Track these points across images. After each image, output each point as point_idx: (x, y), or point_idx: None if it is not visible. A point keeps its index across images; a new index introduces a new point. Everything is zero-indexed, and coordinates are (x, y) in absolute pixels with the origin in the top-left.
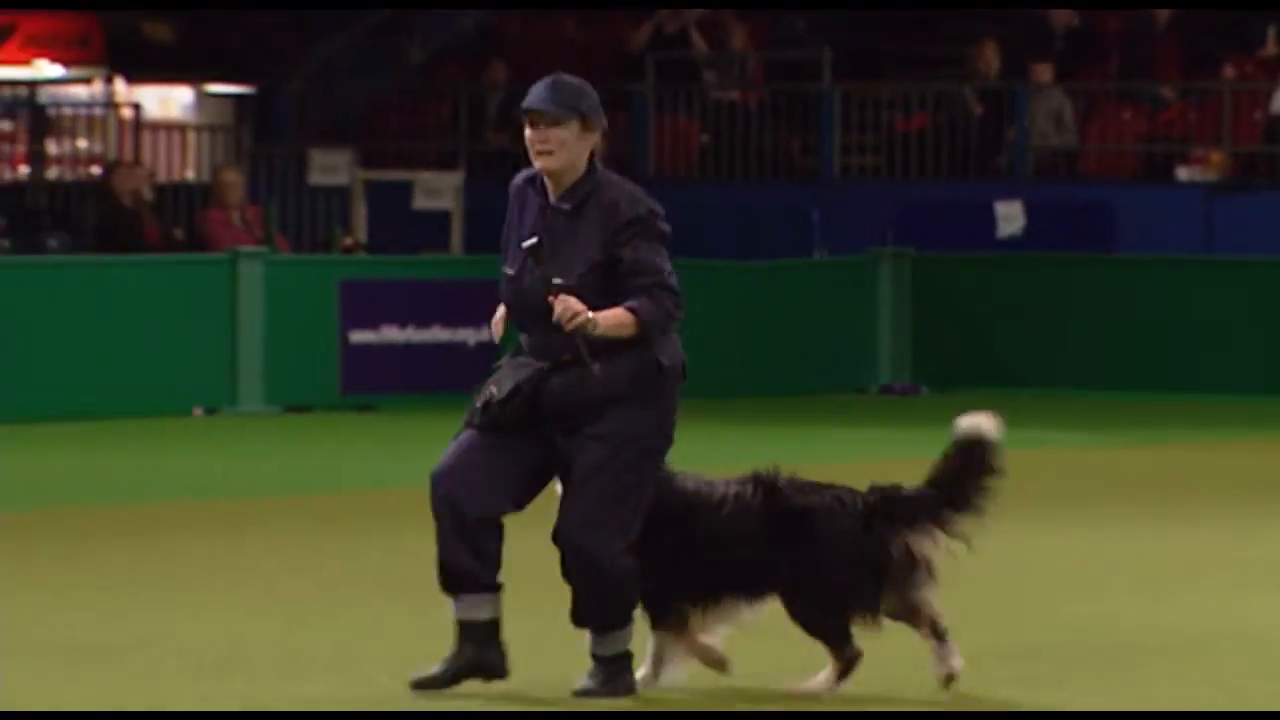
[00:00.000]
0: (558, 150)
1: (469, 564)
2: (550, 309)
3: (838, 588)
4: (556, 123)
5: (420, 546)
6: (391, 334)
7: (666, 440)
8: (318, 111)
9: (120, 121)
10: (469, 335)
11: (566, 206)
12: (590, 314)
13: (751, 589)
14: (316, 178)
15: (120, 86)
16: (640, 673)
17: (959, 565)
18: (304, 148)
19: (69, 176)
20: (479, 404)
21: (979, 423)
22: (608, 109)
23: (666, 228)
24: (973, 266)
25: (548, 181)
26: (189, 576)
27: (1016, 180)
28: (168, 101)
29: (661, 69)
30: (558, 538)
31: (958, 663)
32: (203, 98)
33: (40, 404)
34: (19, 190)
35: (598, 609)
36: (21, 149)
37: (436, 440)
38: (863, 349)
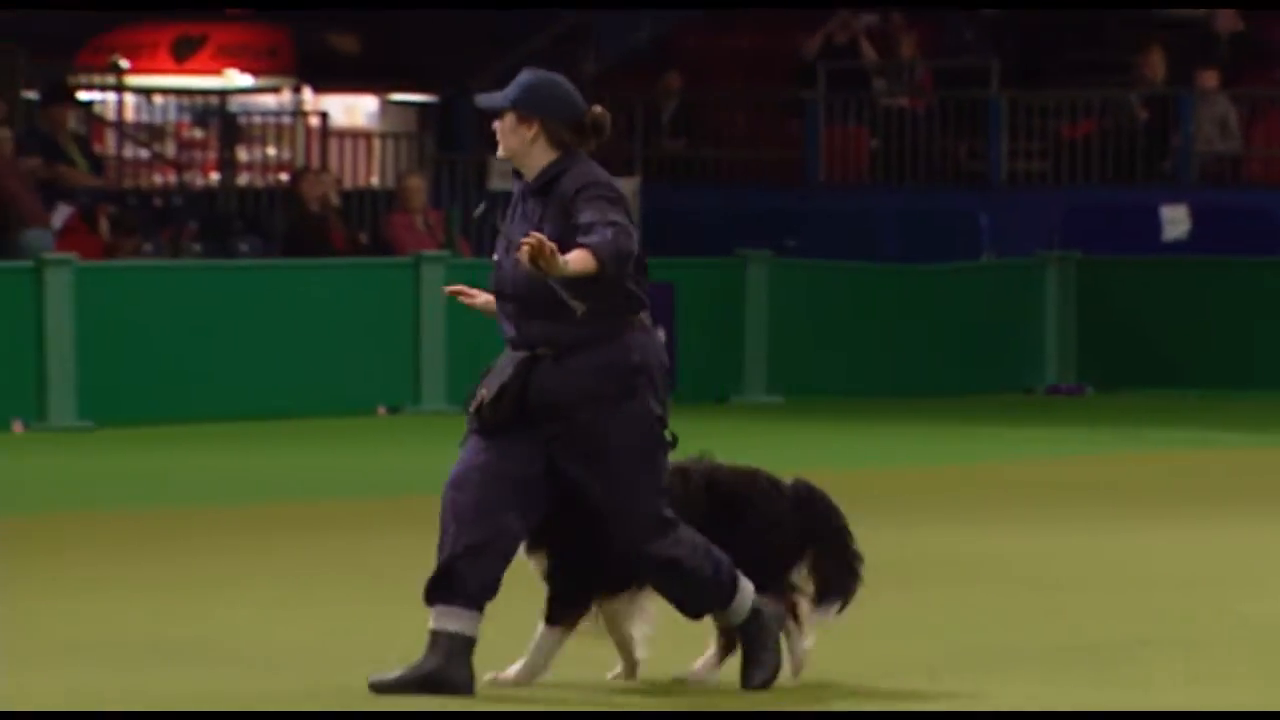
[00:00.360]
0: (501, 139)
1: (465, 574)
2: (523, 300)
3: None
4: (497, 115)
5: None
6: None
7: (659, 425)
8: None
9: (308, 129)
10: None
11: (534, 190)
12: (555, 253)
13: None
14: (497, 183)
15: (308, 95)
16: (517, 666)
17: (1127, 563)
18: (484, 154)
19: (258, 183)
20: (471, 408)
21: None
22: (780, 116)
23: (615, 194)
24: (1137, 269)
25: (522, 169)
26: (377, 570)
27: (1181, 185)
28: (353, 110)
29: (832, 77)
30: (625, 559)
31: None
32: (387, 106)
33: (229, 403)
34: (210, 196)
35: (700, 597)
36: (213, 156)
37: None
38: (1029, 350)
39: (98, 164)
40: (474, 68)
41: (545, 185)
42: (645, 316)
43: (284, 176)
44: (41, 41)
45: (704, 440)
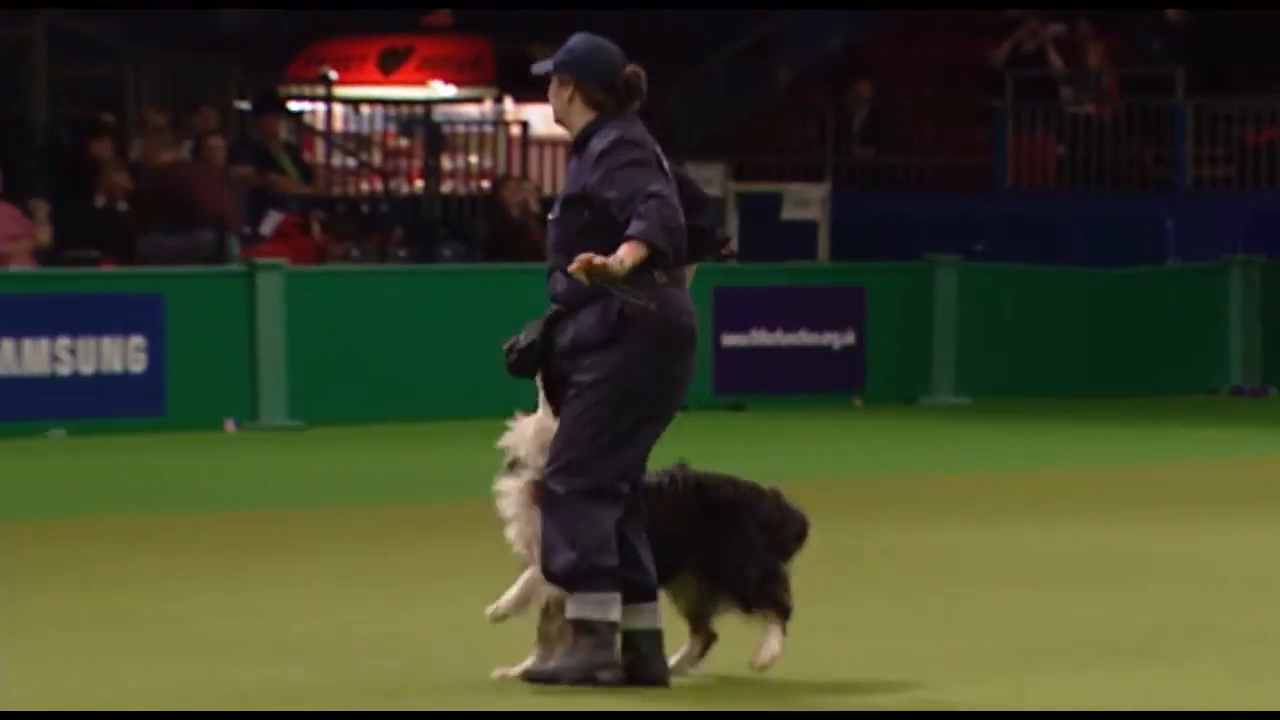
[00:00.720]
0: (550, 103)
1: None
2: (555, 260)
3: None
4: (547, 81)
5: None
6: (761, 337)
7: (641, 384)
8: (691, 128)
9: (509, 138)
10: (834, 339)
11: (574, 148)
12: (606, 260)
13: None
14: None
15: (509, 105)
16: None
17: None
18: (679, 162)
19: (461, 190)
20: (505, 347)
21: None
22: (968, 124)
23: (644, 153)
24: None
25: (567, 129)
26: None
27: None
28: (552, 119)
29: (1020, 85)
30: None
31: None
32: None
33: (434, 403)
34: (415, 203)
35: (549, 555)
36: (418, 164)
37: (803, 437)
38: (1214, 352)
39: (307, 172)
40: (668, 77)
41: (580, 144)
42: (662, 275)
43: (486, 184)
44: (254, 54)
45: (894, 438)
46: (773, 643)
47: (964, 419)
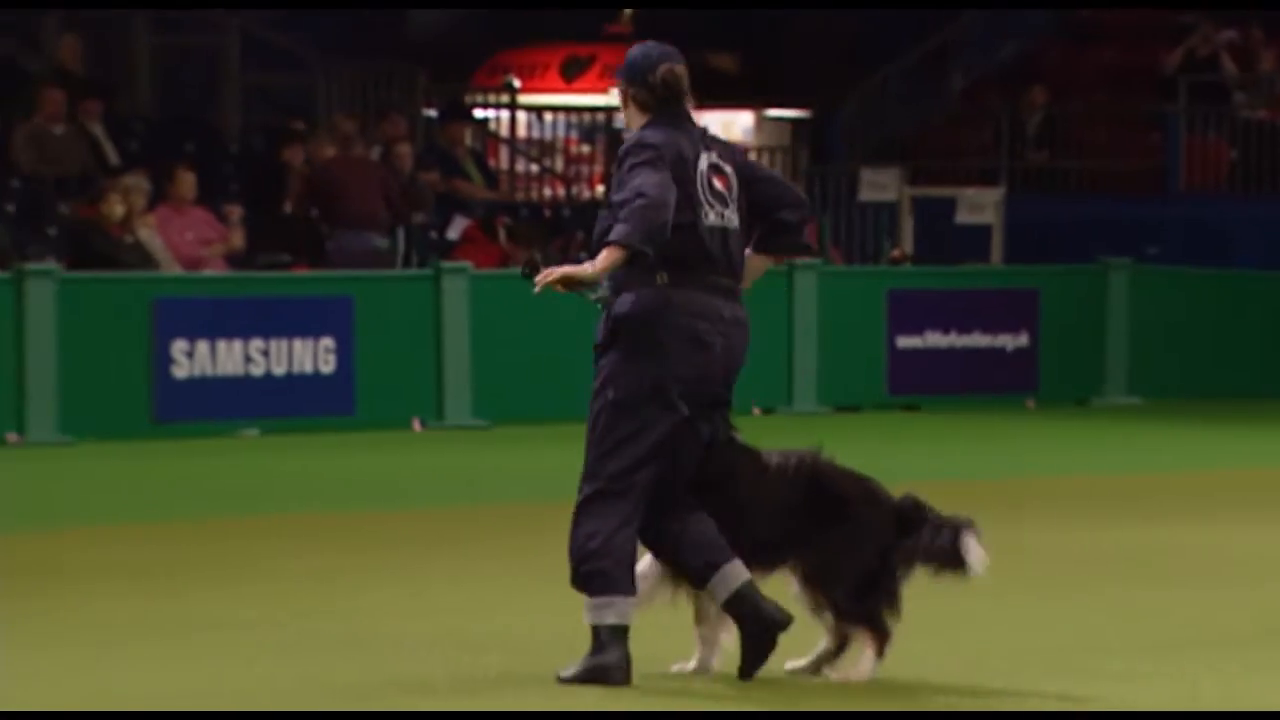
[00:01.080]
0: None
1: None
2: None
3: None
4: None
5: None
6: (935, 339)
7: (635, 388)
8: (868, 133)
9: None
10: (1007, 341)
11: None
12: (572, 270)
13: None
14: (867, 194)
15: None
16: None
17: None
18: (855, 167)
19: None
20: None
21: (975, 562)
22: (1141, 128)
23: (654, 154)
24: None
25: None
26: None
27: None
28: (730, 125)
29: (1193, 91)
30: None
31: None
32: (762, 121)
33: None
34: (596, 207)
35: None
36: (599, 170)
37: (976, 438)
38: None
39: (492, 178)
40: (845, 85)
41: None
42: (663, 275)
43: None
44: (440, 63)
45: (1066, 439)
46: (862, 665)
47: (1136, 420)
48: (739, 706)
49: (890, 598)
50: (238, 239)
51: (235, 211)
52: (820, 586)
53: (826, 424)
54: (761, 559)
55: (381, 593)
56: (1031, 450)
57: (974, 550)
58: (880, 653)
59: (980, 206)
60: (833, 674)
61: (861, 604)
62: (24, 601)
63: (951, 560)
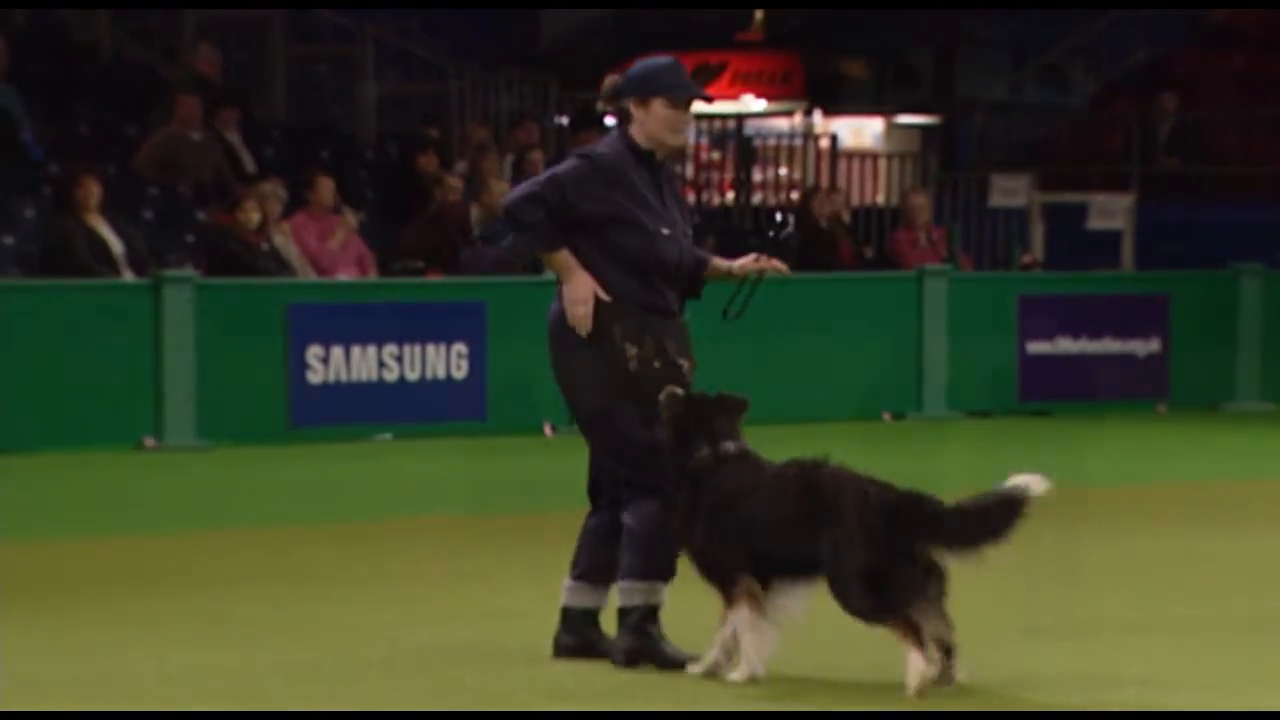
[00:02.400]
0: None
1: None
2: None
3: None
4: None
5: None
6: (1065, 344)
7: (578, 380)
8: (997, 140)
9: (818, 150)
10: (1138, 347)
11: (658, 167)
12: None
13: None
14: (997, 200)
15: (818, 118)
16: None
17: None
18: (985, 173)
19: (771, 201)
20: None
21: (1029, 483)
22: (1273, 134)
23: (574, 161)
24: None
25: (660, 154)
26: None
27: None
28: (860, 132)
29: None
30: None
31: (958, 675)
32: (892, 128)
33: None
34: (726, 214)
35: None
36: (729, 176)
37: (1108, 443)
38: None
39: None
40: (974, 92)
41: (662, 164)
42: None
43: (795, 195)
44: (570, 71)
45: (1197, 444)
46: (913, 662)
47: (1267, 425)
48: (739, 706)
49: (901, 581)
50: (348, 228)
51: (351, 217)
52: (836, 596)
53: (956, 430)
54: (780, 573)
55: (516, 596)
56: (1162, 456)
57: (1022, 478)
58: (918, 644)
59: (1111, 212)
60: (908, 689)
61: (873, 599)
62: (165, 602)
63: (1003, 513)
